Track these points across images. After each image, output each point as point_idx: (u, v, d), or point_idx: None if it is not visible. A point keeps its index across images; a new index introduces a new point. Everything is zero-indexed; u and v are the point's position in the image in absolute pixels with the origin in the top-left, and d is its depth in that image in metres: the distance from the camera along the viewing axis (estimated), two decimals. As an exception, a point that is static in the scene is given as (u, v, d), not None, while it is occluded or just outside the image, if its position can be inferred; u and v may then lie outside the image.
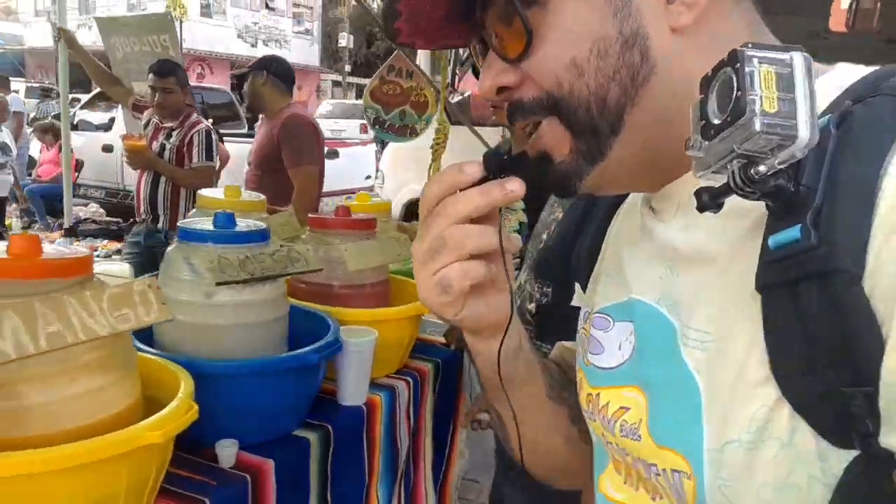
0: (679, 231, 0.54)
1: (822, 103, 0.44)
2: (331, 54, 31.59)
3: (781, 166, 0.40)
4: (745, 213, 0.45)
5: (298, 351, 1.34)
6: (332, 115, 20.05)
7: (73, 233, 3.68)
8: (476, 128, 4.26)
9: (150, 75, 3.17)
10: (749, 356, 0.45)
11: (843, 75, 0.48)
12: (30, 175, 7.80)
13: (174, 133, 3.23)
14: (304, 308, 1.56)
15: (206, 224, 1.41)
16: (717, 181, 0.42)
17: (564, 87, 0.51)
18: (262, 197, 1.89)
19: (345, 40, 28.54)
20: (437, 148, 3.22)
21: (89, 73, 3.64)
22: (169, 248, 1.42)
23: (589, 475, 0.67)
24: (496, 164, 0.53)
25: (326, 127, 19.18)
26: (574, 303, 0.73)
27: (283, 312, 1.44)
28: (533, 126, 0.55)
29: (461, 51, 4.91)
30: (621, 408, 0.57)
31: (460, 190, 0.52)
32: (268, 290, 1.39)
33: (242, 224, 1.43)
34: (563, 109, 0.52)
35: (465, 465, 2.14)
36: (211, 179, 3.26)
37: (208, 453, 1.26)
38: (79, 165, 7.35)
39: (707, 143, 0.42)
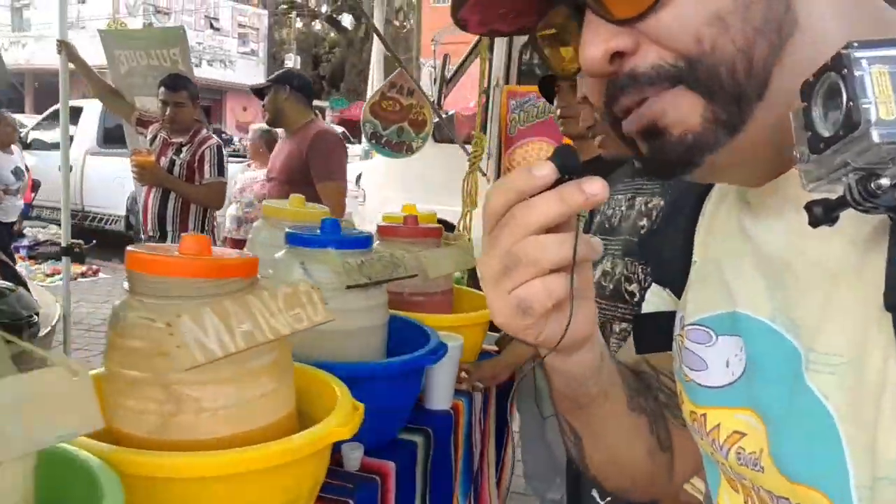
0: (786, 236, 0.49)
1: None
2: (275, 75, 31.33)
3: None
4: (862, 217, 0.39)
5: (416, 354, 1.37)
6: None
7: (69, 252, 3.54)
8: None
9: (162, 89, 3.11)
10: (885, 379, 0.41)
11: None
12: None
13: (184, 148, 3.18)
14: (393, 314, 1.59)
15: (314, 231, 1.43)
16: (831, 192, 0.39)
17: (706, 44, 0.44)
18: (325, 207, 1.91)
19: (291, 61, 28.37)
20: (475, 160, 3.28)
21: (91, 86, 3.55)
22: (278, 254, 1.43)
23: (666, 481, 0.66)
24: (571, 163, 0.45)
25: (278, 147, 19.17)
26: (662, 307, 0.67)
27: (387, 317, 1.47)
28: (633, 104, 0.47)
29: (447, 69, 4.99)
30: (735, 432, 0.53)
31: (531, 196, 0.45)
32: (378, 294, 1.42)
33: (346, 231, 1.46)
34: (701, 73, 0.44)
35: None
36: (223, 195, 3.22)
37: (334, 457, 1.27)
38: (35, 186, 7.07)
39: (816, 156, 0.38)
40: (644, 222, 1.54)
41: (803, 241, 0.45)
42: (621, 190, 1.70)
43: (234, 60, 26.39)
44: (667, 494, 0.69)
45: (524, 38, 4.49)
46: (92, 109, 7.70)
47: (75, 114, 7.66)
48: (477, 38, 5.00)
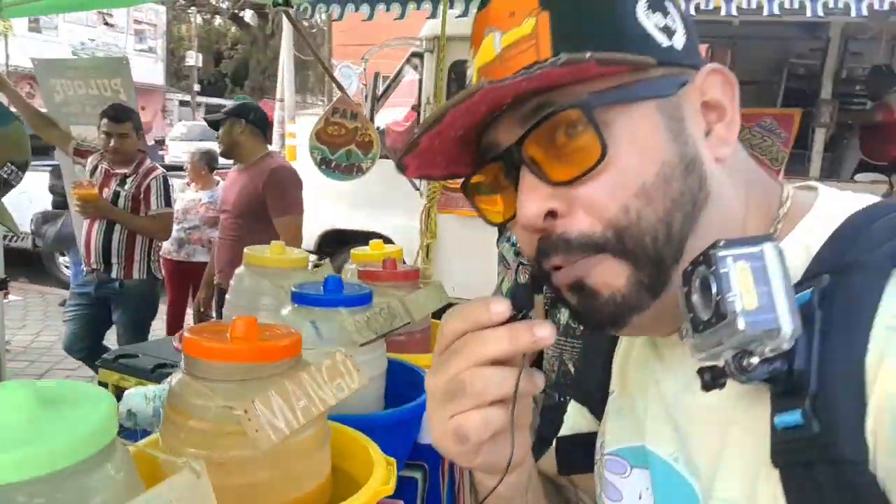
0: (685, 383, 0.53)
1: (806, 257, 0.47)
2: (174, 73, 30.10)
3: (772, 354, 0.41)
4: None
5: (421, 399, 1.49)
6: (188, 137, 19.15)
7: (3, 286, 3.39)
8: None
9: (105, 120, 3.06)
10: None
11: (825, 219, 0.50)
12: None
13: (129, 180, 3.13)
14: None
15: (318, 288, 1.52)
16: (717, 361, 0.43)
17: (632, 215, 0.48)
18: (305, 253, 1.98)
19: (192, 59, 27.33)
20: (432, 195, 3.41)
21: (23, 116, 3.40)
22: (285, 311, 1.51)
23: None
24: (524, 303, 0.49)
25: (184, 149, 18.32)
26: (583, 428, 0.71)
27: (386, 365, 1.58)
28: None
29: (379, 85, 5.08)
30: None
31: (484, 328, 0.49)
32: (379, 345, 1.53)
33: (346, 286, 1.56)
34: (628, 242, 0.49)
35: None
36: (171, 226, 3.20)
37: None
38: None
39: (698, 335, 0.43)
40: None
41: (701, 395, 0.46)
42: None
43: (130, 58, 25.20)
44: None
45: (455, 57, 4.63)
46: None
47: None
48: (407, 54, 5.11)
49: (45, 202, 6.54)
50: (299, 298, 1.50)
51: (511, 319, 0.49)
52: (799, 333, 0.40)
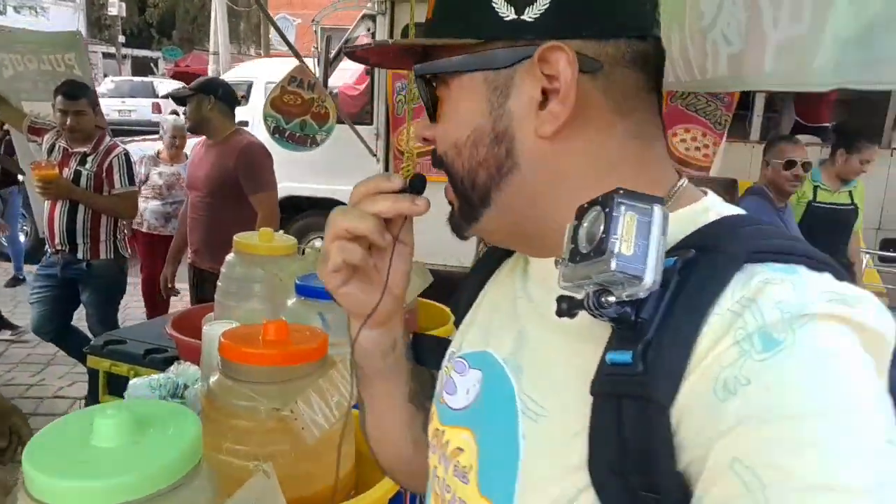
0: (541, 304, 0.60)
1: (681, 232, 0.51)
2: (95, 23, 28.44)
3: (627, 298, 0.46)
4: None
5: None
6: (117, 93, 18.28)
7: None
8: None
9: (59, 97, 2.96)
10: (572, 443, 0.51)
11: (705, 210, 0.56)
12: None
13: (89, 158, 3.07)
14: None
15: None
16: (577, 293, 0.48)
17: (448, 159, 0.61)
18: (293, 240, 2.04)
19: (116, 8, 25.84)
20: (406, 173, 3.46)
21: (-31, 92, 3.27)
22: (291, 302, 1.59)
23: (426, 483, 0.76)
24: (417, 186, 0.63)
25: (113, 107, 17.50)
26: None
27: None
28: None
29: (331, 51, 5.03)
30: (458, 448, 0.63)
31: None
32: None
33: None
34: (449, 175, 0.62)
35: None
36: (136, 205, 3.17)
37: None
38: None
39: (572, 264, 0.48)
40: None
41: (550, 311, 0.52)
42: None
43: (46, 7, 23.61)
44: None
45: (406, 22, 4.62)
46: None
47: None
48: (360, 16, 5.06)
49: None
50: (305, 291, 1.58)
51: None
52: (656, 288, 0.46)
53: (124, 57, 27.55)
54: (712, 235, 0.51)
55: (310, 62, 4.26)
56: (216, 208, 2.83)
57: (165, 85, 19.45)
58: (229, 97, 2.94)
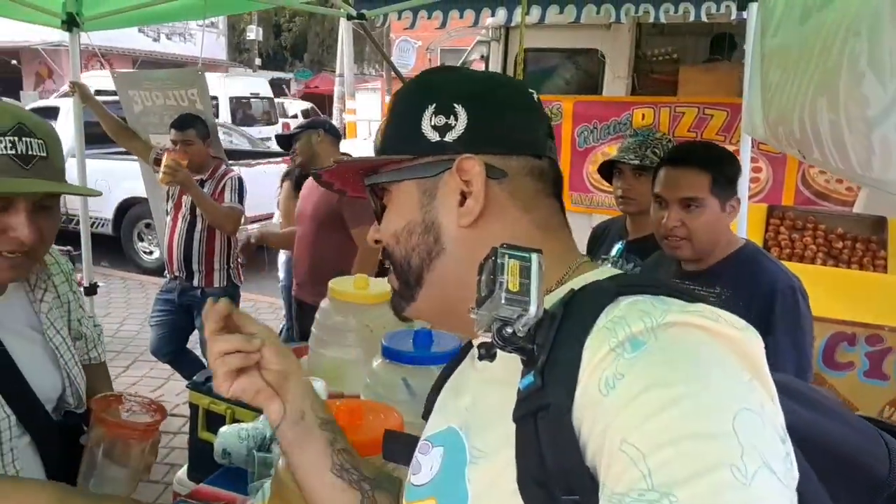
0: (473, 364, 0.73)
1: (572, 288, 0.62)
2: (235, 47, 30.55)
3: (524, 329, 0.55)
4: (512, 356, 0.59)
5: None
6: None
7: (93, 291, 3.57)
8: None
9: (171, 129, 3.14)
10: (506, 471, 0.58)
11: (596, 274, 0.68)
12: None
13: (206, 185, 3.21)
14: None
15: (408, 343, 1.52)
16: (489, 337, 0.57)
17: (390, 247, 0.75)
18: (388, 287, 1.99)
19: (253, 33, 27.65)
20: None
21: (105, 127, 3.51)
22: (377, 364, 1.52)
23: None
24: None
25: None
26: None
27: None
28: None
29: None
30: None
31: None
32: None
33: (437, 339, 1.55)
34: (391, 262, 0.75)
35: None
36: (240, 221, 3.25)
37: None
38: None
39: (479, 309, 0.57)
40: None
41: (486, 371, 0.67)
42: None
43: (193, 34, 25.64)
44: None
45: (523, 46, 4.53)
46: (69, 109, 7.51)
47: (51, 114, 7.46)
48: (474, 41, 5.03)
49: (127, 190, 6.78)
50: (390, 354, 1.50)
51: None
52: (540, 316, 0.55)
53: (260, 78, 29.34)
54: (593, 283, 0.63)
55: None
56: (321, 242, 2.85)
57: (295, 105, 20.50)
58: (334, 131, 2.98)
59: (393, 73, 3.82)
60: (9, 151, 1.05)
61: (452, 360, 0.84)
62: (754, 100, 1.94)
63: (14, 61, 18.77)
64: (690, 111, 4.30)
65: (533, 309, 0.54)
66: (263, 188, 6.31)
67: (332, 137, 2.98)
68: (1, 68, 18.68)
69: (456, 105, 0.71)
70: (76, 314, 1.41)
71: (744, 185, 2.93)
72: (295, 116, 18.25)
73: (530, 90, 0.78)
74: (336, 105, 17.35)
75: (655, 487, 0.47)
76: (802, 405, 0.57)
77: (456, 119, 0.71)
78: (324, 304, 1.96)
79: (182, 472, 1.70)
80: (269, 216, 7.05)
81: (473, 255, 0.65)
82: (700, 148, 1.95)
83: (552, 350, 0.56)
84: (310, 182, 3.07)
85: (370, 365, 1.59)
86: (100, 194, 1.55)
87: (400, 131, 0.75)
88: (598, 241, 2.47)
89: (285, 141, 3.01)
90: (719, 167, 1.72)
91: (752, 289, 1.69)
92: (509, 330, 0.55)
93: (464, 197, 0.70)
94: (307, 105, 20.53)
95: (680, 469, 0.47)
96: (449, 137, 0.71)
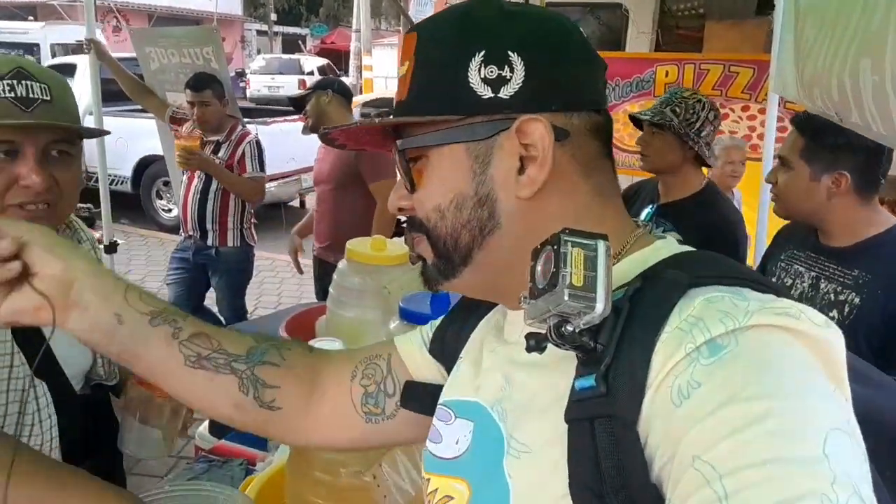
0: (518, 348, 0.62)
1: (634, 272, 0.57)
2: (250, 2, 30.13)
3: (584, 327, 0.50)
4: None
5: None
6: (268, 70, 19.33)
7: (113, 249, 3.59)
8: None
9: (187, 90, 3.11)
10: (554, 473, 0.54)
11: (656, 251, 0.62)
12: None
13: (222, 146, 3.19)
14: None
15: (425, 305, 1.51)
16: (541, 328, 0.52)
17: (430, 223, 0.65)
18: (405, 249, 1.97)
19: (269, -14, 27.25)
20: None
21: (122, 84, 3.49)
22: (394, 325, 1.51)
23: (281, 432, 0.82)
24: None
25: (263, 83, 18.38)
26: (437, 380, 0.80)
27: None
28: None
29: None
30: (447, 496, 0.66)
31: None
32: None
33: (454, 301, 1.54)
34: (430, 236, 0.66)
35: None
36: (263, 190, 3.25)
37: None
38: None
39: (533, 301, 0.52)
40: (833, 314, 1.54)
41: (526, 354, 0.57)
42: (803, 260, 1.73)
43: (208, -14, 25.35)
44: (292, 442, 0.86)
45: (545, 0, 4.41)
46: (86, 66, 7.48)
47: (69, 71, 7.43)
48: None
49: (145, 148, 6.78)
50: (407, 315, 1.50)
51: None
52: (607, 314, 0.49)
53: (276, 34, 29.02)
54: (659, 268, 0.57)
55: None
56: (340, 201, 2.84)
57: (311, 62, 20.30)
58: (345, 90, 2.94)
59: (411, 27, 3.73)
60: (7, 95, 1.01)
61: (462, 311, 0.78)
62: (786, 57, 1.87)
63: (31, 17, 18.67)
64: (715, 68, 4.18)
65: (600, 307, 0.48)
66: (279, 147, 6.28)
67: (341, 97, 2.93)
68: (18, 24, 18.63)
69: (511, 53, 0.61)
70: None
71: (769, 146, 2.87)
72: (311, 73, 18.11)
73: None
74: (352, 61, 17.13)
75: None
76: (856, 381, 0.52)
77: (511, 70, 0.61)
78: (341, 265, 1.95)
79: (203, 427, 1.72)
80: (286, 175, 7.05)
81: (532, 231, 0.60)
82: (817, 118, 1.73)
83: (617, 352, 0.50)
84: (323, 145, 3.04)
85: (387, 326, 1.58)
86: (108, 133, 1.53)
87: (437, 84, 0.63)
88: (629, 203, 2.43)
89: (297, 103, 2.97)
90: (819, 135, 1.61)
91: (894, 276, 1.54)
92: (569, 328, 0.50)
93: (522, 163, 0.62)
94: (323, 61, 20.33)
95: (762, 496, 0.42)
96: (504, 93, 0.61)
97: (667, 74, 4.23)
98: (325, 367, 0.84)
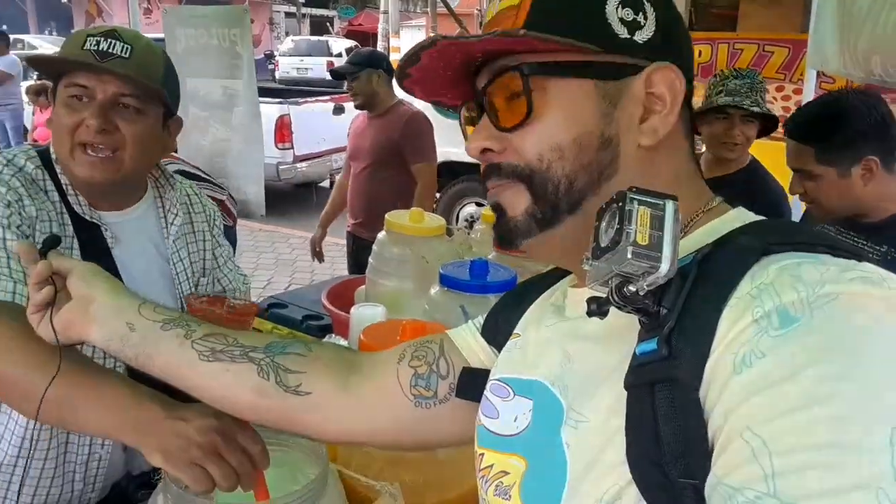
0: (578, 321, 0.63)
1: (706, 241, 0.55)
2: (279, -18, 30.11)
3: (649, 288, 0.48)
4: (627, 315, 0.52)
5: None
6: (296, 52, 19.37)
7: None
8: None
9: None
10: (611, 440, 0.53)
11: (732, 220, 0.60)
12: (25, 141, 7.53)
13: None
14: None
15: (465, 272, 1.56)
16: (603, 292, 0.50)
17: (543, 164, 0.60)
18: (442, 221, 2.03)
19: (296, -33, 27.22)
20: None
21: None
22: (434, 291, 1.57)
23: (297, 421, 0.78)
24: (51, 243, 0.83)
25: (292, 65, 18.40)
26: (488, 364, 0.77)
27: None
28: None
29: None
30: (502, 471, 0.64)
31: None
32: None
33: (492, 270, 1.59)
34: (535, 179, 0.61)
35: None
36: None
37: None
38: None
39: (595, 261, 0.50)
40: None
41: (586, 326, 0.59)
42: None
43: (238, -31, 25.39)
44: (325, 433, 0.81)
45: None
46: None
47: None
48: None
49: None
50: (448, 282, 1.55)
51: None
52: (672, 276, 0.47)
53: (304, 16, 29.01)
54: (733, 235, 0.55)
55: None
56: (378, 179, 2.90)
57: (339, 44, 20.32)
58: (392, 70, 2.96)
59: (442, 5, 3.73)
60: (91, 48, 1.13)
61: (524, 287, 0.78)
62: (825, 31, 1.88)
63: (65, 0, 18.96)
64: (750, 48, 4.15)
65: (665, 267, 0.47)
66: (310, 128, 6.29)
67: (389, 77, 2.94)
68: (52, 6, 18.92)
69: (645, 1, 0.60)
70: (218, 255, 1.45)
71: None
72: (339, 55, 18.13)
73: None
74: (380, 43, 17.13)
75: (777, 494, 0.40)
76: None
77: (645, 18, 0.60)
78: (380, 236, 2.01)
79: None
80: (317, 155, 7.08)
81: (645, 182, 0.55)
82: (805, 115, 1.79)
83: (681, 316, 0.48)
84: (360, 118, 3.08)
85: (428, 294, 1.64)
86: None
87: (573, 10, 0.60)
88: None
89: (341, 76, 3.00)
90: (823, 138, 1.64)
91: None
92: (632, 288, 0.48)
93: (645, 112, 0.60)
94: (351, 43, 20.31)
95: (814, 481, 0.40)
96: (639, 38, 0.59)
97: (700, 54, 4.21)
98: (362, 357, 0.84)
